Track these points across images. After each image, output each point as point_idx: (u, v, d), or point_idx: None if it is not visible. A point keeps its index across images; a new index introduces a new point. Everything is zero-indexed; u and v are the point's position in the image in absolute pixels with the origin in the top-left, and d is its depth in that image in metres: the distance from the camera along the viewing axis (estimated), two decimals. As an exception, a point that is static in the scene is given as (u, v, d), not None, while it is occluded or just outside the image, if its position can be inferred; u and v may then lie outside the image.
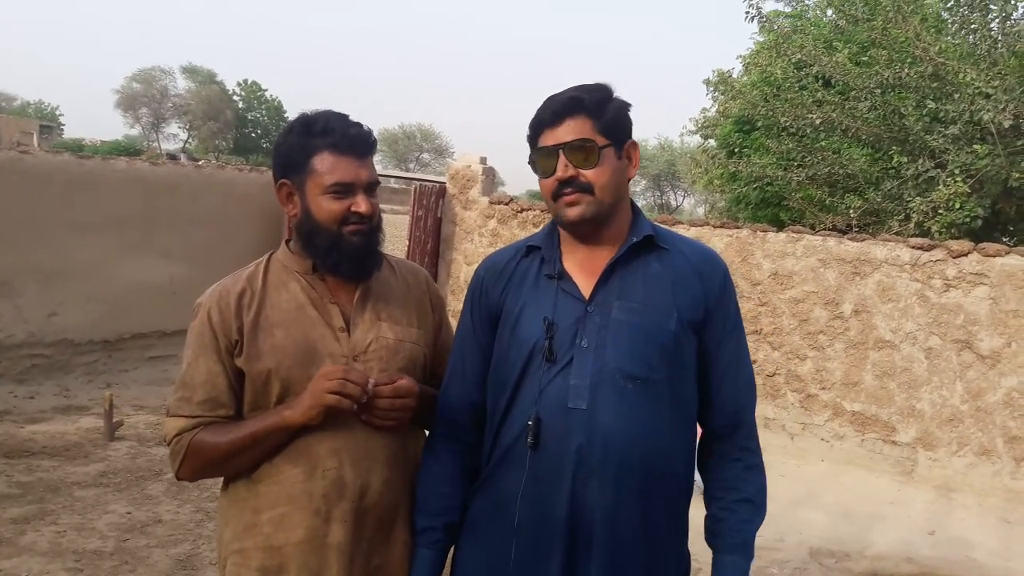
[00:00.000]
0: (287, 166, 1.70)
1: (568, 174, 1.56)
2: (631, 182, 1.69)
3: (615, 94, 1.62)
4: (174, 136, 57.58)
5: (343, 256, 1.67)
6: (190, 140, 55.54)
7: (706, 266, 1.66)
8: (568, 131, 1.56)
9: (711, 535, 1.67)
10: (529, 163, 1.64)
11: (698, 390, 1.65)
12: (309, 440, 1.64)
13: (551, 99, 1.60)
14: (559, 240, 1.67)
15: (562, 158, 1.56)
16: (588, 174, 1.56)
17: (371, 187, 1.70)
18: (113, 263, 6.97)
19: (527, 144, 1.65)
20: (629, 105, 1.64)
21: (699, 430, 1.71)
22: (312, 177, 1.66)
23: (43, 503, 4.30)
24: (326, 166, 1.65)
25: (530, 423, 1.54)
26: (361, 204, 1.66)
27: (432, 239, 8.44)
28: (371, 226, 1.70)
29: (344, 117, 1.71)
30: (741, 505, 1.66)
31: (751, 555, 1.65)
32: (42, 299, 6.54)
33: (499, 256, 1.75)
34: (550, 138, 1.58)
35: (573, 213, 1.57)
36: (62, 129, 56.97)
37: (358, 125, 1.71)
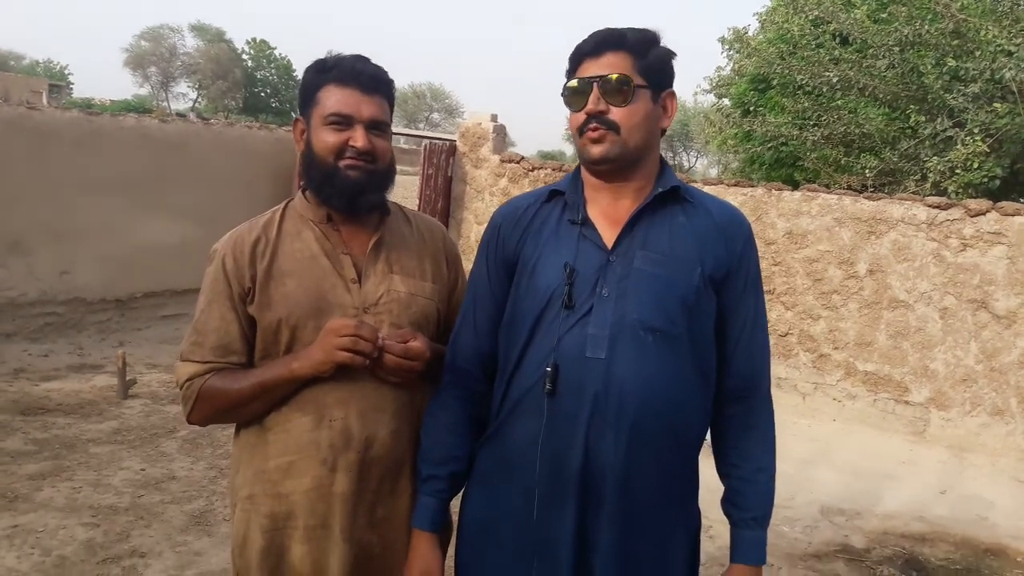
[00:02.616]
0: (301, 103, 1.71)
1: (598, 108, 1.52)
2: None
3: (660, 39, 1.58)
4: (183, 95, 57.43)
5: (335, 189, 1.66)
6: (199, 99, 55.30)
7: (731, 224, 1.62)
8: (607, 65, 1.52)
9: (731, 505, 1.66)
10: (562, 95, 1.60)
11: (715, 352, 1.62)
12: (317, 390, 1.63)
13: (596, 31, 1.57)
14: (583, 187, 1.62)
15: (595, 91, 1.52)
16: (617, 112, 1.52)
17: (375, 124, 1.67)
18: (124, 221, 6.96)
19: (564, 77, 1.61)
20: (674, 54, 1.59)
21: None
22: (316, 108, 1.66)
23: (59, 459, 4.35)
24: (329, 97, 1.65)
25: (548, 370, 1.51)
26: (359, 138, 1.64)
27: (443, 198, 8.39)
28: (371, 165, 1.67)
29: (356, 55, 1.69)
30: (759, 475, 1.65)
31: (768, 523, 1.66)
32: (54, 258, 6.54)
33: (518, 202, 1.71)
34: (587, 70, 1.54)
35: (596, 151, 1.53)
36: (71, 88, 56.81)
37: (367, 60, 1.69)
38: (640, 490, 1.52)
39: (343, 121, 1.64)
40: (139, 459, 4.45)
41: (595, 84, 1.52)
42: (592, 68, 1.54)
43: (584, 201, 1.61)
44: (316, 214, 1.72)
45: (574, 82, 1.56)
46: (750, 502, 1.64)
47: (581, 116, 1.55)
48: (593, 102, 1.52)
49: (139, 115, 8.14)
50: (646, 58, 1.53)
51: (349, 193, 1.66)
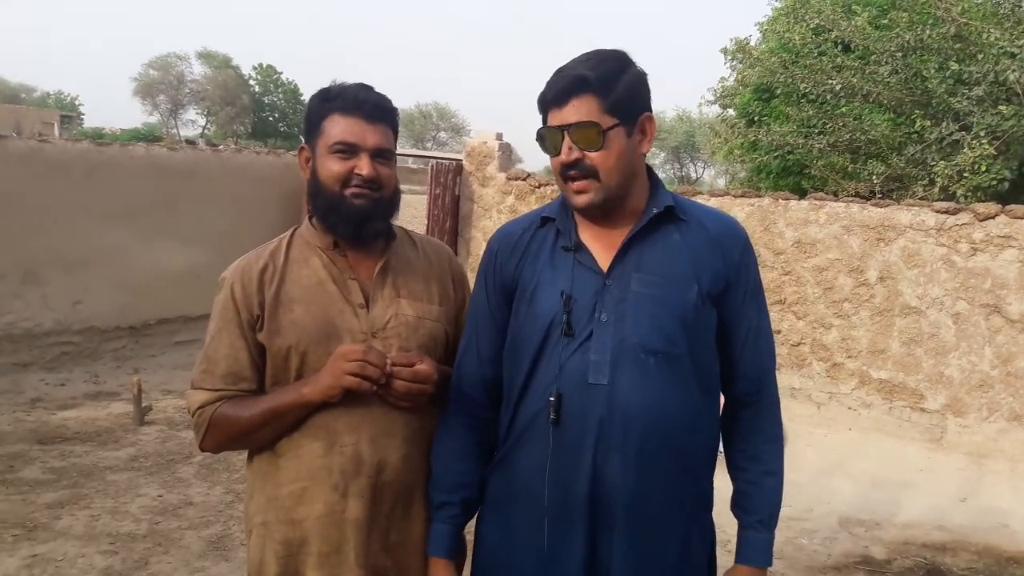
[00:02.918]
0: (306, 131, 1.74)
1: (573, 157, 1.50)
2: (649, 155, 1.64)
3: (629, 64, 1.54)
4: (192, 122, 57.82)
5: (340, 217, 1.67)
6: (208, 126, 55.72)
7: (726, 236, 1.62)
8: (573, 112, 1.49)
9: (738, 508, 1.67)
10: (536, 140, 1.59)
11: (720, 360, 1.63)
12: (328, 416, 1.65)
13: (558, 74, 1.52)
14: (573, 212, 1.62)
15: (566, 140, 1.50)
16: (593, 156, 1.49)
17: (380, 153, 1.69)
18: (135, 249, 7.02)
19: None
20: (643, 75, 1.55)
21: (722, 400, 1.70)
22: (321, 138, 1.69)
23: (77, 488, 4.37)
24: (333, 126, 1.67)
25: (551, 398, 1.51)
26: (364, 167, 1.65)
27: (450, 217, 8.42)
28: (376, 192, 1.68)
29: (361, 84, 1.72)
30: (766, 478, 1.66)
31: (775, 525, 1.66)
32: (67, 287, 6.61)
33: (512, 227, 1.71)
34: (555, 118, 1.52)
35: (581, 200, 1.53)
36: (82, 119, 57.34)
37: (370, 89, 1.71)
38: (650, 512, 1.52)
39: (348, 150, 1.66)
40: (156, 485, 4.48)
41: (564, 133, 1.50)
42: (559, 116, 1.51)
43: (575, 226, 1.60)
44: (323, 241, 1.74)
45: (543, 131, 1.55)
46: (757, 504, 1.65)
47: (558, 163, 1.53)
48: (566, 151, 1.51)
49: (148, 144, 8.23)
50: (613, 93, 1.49)
51: (355, 221, 1.67)
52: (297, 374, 1.67)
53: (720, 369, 1.64)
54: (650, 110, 1.57)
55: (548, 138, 1.54)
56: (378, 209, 1.70)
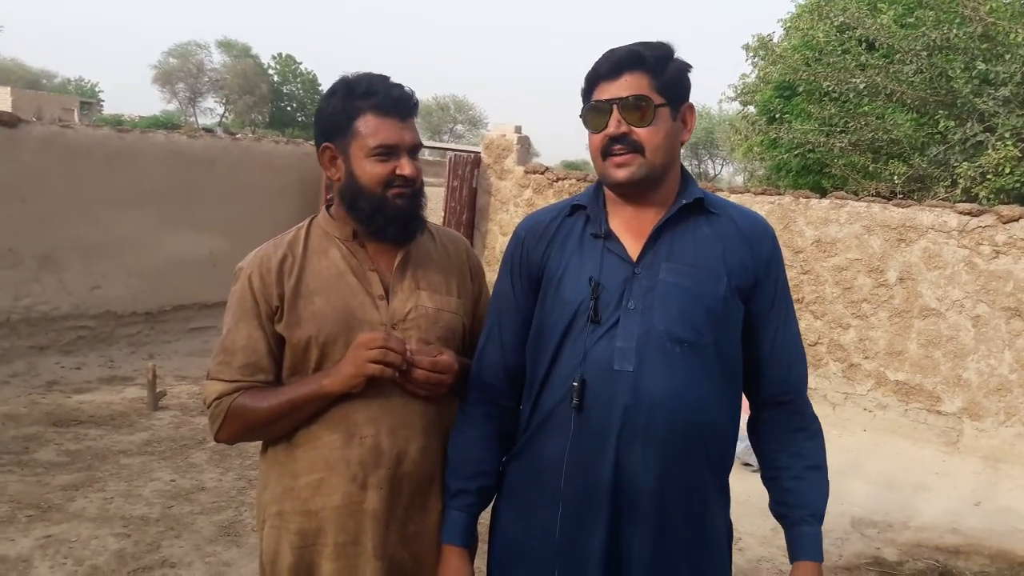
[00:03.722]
0: (330, 130, 1.68)
1: (620, 130, 1.51)
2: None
3: (675, 53, 1.56)
4: (211, 111, 58.12)
5: (388, 220, 1.66)
6: (226, 114, 55.99)
7: (755, 233, 1.61)
8: (625, 86, 1.51)
9: (784, 506, 1.63)
10: (580, 116, 1.59)
11: (747, 360, 1.61)
12: (346, 407, 1.64)
13: (611, 51, 1.55)
14: (604, 200, 1.62)
15: (615, 113, 1.51)
16: (641, 132, 1.50)
17: (414, 150, 1.68)
18: (153, 236, 7.06)
19: (580, 98, 1.60)
20: (689, 67, 1.58)
21: (745, 404, 1.68)
22: (356, 140, 1.64)
23: (91, 471, 4.41)
24: (370, 128, 1.63)
25: (575, 384, 1.50)
26: (405, 166, 1.64)
27: (467, 210, 8.41)
28: (415, 189, 1.68)
29: (386, 79, 1.69)
30: (811, 472, 1.63)
31: (823, 521, 1.63)
32: (85, 272, 6.65)
33: (540, 216, 1.70)
34: (606, 91, 1.53)
35: (622, 174, 1.52)
36: (102, 105, 57.67)
37: (400, 86, 1.68)
38: (673, 503, 1.51)
39: (389, 152, 1.64)
40: (169, 470, 4.50)
41: (615, 106, 1.51)
42: (610, 90, 1.52)
43: (606, 214, 1.60)
44: (342, 231, 1.73)
45: (593, 104, 1.55)
46: (806, 499, 1.61)
47: (602, 138, 1.54)
48: (615, 124, 1.51)
49: (168, 131, 8.27)
50: (663, 75, 1.52)
51: (402, 222, 1.68)
52: (317, 365, 1.66)
53: (749, 369, 1.62)
54: (691, 102, 1.59)
55: (595, 114, 1.55)
56: (416, 204, 1.70)
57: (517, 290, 1.68)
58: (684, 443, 1.50)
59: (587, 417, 1.51)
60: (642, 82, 1.51)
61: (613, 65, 1.53)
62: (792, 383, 1.65)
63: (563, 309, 1.56)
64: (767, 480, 1.67)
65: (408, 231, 1.71)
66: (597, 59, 1.56)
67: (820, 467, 1.64)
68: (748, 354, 1.61)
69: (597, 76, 1.55)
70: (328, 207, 1.77)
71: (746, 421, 1.72)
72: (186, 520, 3.90)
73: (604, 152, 1.54)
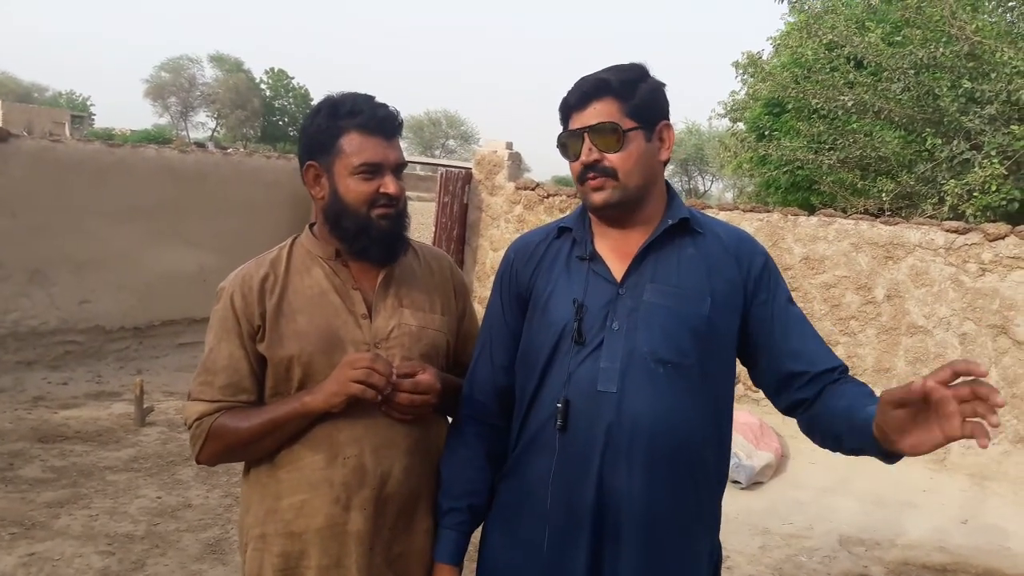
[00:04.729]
0: (314, 148, 1.68)
1: (592, 158, 1.54)
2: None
3: (647, 74, 1.58)
4: (202, 125, 58.17)
5: (372, 241, 1.66)
6: (218, 129, 56.01)
7: (742, 249, 1.62)
8: (594, 114, 1.54)
9: (856, 412, 1.42)
10: (557, 146, 1.62)
11: (767, 360, 1.60)
12: (329, 427, 1.63)
13: (580, 81, 1.58)
14: (590, 222, 1.64)
15: (587, 141, 1.54)
16: (612, 158, 1.53)
17: (399, 168, 1.69)
18: (143, 251, 7.04)
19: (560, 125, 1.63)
20: (662, 85, 1.60)
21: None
22: (340, 158, 1.65)
23: (76, 487, 4.37)
24: (354, 146, 1.64)
25: (559, 405, 1.52)
26: (390, 185, 1.65)
27: (458, 225, 8.43)
28: (398, 209, 1.68)
29: (370, 98, 1.69)
30: (871, 398, 1.43)
31: None
32: (74, 287, 6.62)
33: (530, 237, 1.73)
34: (577, 121, 1.56)
35: (598, 198, 1.55)
36: (93, 119, 57.66)
37: (384, 106, 1.69)
38: (657, 524, 1.51)
39: (373, 170, 1.64)
40: (155, 487, 4.47)
41: (585, 134, 1.54)
42: (581, 119, 1.55)
43: (592, 236, 1.62)
44: (324, 250, 1.73)
45: (565, 135, 1.59)
46: (864, 389, 1.49)
47: (578, 166, 1.56)
48: (586, 152, 1.54)
49: (159, 146, 8.25)
50: (633, 98, 1.54)
51: (386, 243, 1.68)
52: (299, 385, 1.65)
53: (789, 370, 1.57)
54: (668, 119, 1.60)
55: (569, 143, 1.58)
56: (400, 224, 1.70)
57: (507, 311, 1.70)
58: (668, 464, 1.50)
59: (571, 438, 1.52)
60: (611, 108, 1.53)
61: (581, 95, 1.56)
62: (824, 356, 1.57)
63: (549, 330, 1.57)
64: (833, 435, 1.51)
65: (392, 252, 1.71)
66: (569, 89, 1.59)
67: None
68: (767, 354, 1.59)
69: (568, 107, 1.59)
70: (312, 226, 1.77)
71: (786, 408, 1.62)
72: (172, 538, 3.87)
73: (580, 179, 1.57)
